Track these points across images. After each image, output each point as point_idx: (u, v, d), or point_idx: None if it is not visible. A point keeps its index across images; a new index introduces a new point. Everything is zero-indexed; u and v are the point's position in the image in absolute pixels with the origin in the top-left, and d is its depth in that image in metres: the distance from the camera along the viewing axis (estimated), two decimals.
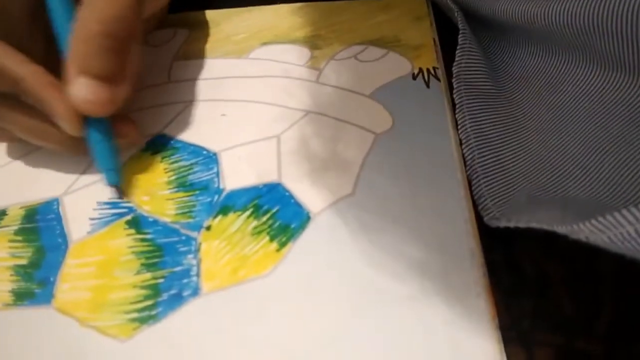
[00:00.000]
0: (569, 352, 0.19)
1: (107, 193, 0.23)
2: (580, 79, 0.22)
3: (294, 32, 0.28)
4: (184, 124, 0.25)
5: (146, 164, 0.23)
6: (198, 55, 0.27)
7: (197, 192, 0.22)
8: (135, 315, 0.20)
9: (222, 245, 0.21)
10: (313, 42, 0.27)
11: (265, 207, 0.22)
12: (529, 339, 0.20)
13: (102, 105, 0.21)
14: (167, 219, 0.22)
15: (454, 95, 0.24)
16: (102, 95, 0.20)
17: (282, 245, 0.21)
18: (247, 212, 0.22)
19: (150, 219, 0.22)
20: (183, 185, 0.23)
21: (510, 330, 0.20)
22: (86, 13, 0.20)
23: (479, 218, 0.21)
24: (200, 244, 0.21)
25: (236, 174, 0.23)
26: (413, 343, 0.18)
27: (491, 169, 0.22)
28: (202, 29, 0.28)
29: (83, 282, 0.20)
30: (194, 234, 0.21)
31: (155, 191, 0.23)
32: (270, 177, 0.23)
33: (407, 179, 0.22)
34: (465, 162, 0.23)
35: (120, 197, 0.22)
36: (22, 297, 0.20)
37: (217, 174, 0.23)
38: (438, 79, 0.25)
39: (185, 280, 0.20)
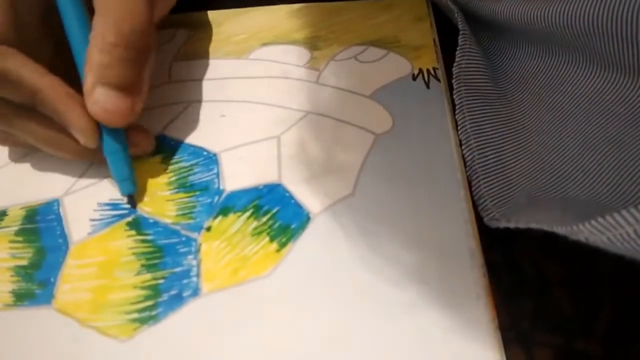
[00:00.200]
0: (568, 352, 0.19)
1: (107, 194, 0.23)
2: (580, 80, 0.22)
3: (294, 32, 0.28)
4: (184, 124, 0.25)
5: (146, 165, 0.23)
6: (198, 55, 0.27)
7: (198, 193, 0.22)
8: (135, 315, 0.20)
9: (222, 246, 0.21)
10: (313, 43, 0.27)
11: (266, 208, 0.22)
12: (528, 340, 0.20)
13: (121, 116, 0.21)
14: (167, 220, 0.22)
15: (454, 96, 0.24)
16: (122, 105, 0.20)
17: (282, 245, 0.21)
18: (247, 213, 0.22)
19: (151, 220, 0.22)
20: (183, 186, 0.23)
21: (510, 330, 0.20)
22: (102, 24, 0.20)
23: (478, 219, 0.21)
24: (200, 244, 0.21)
25: (236, 175, 0.23)
26: (412, 343, 0.18)
27: (491, 169, 0.22)
28: (202, 29, 0.28)
29: (83, 282, 0.20)
30: (194, 235, 0.21)
31: (156, 192, 0.23)
32: (270, 178, 0.23)
33: (407, 180, 0.22)
34: (465, 163, 0.23)
35: (133, 207, 0.22)
36: (22, 298, 0.20)
37: (217, 174, 0.23)
38: (438, 80, 0.25)
39: (185, 281, 0.20)
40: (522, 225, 0.19)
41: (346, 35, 0.27)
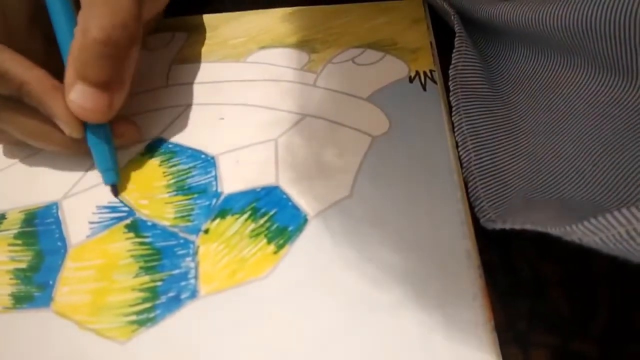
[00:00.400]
0: (564, 353, 0.20)
1: (106, 197, 0.23)
2: (576, 82, 0.22)
3: (292, 36, 0.28)
4: (182, 127, 0.25)
5: (144, 168, 0.24)
6: (196, 59, 0.27)
7: (196, 195, 0.23)
8: (134, 317, 0.20)
9: (220, 248, 0.21)
10: (310, 46, 0.27)
11: (263, 210, 0.22)
12: (525, 340, 0.20)
13: (99, 113, 0.21)
14: (165, 223, 0.22)
15: (451, 98, 0.24)
16: (99, 102, 0.21)
17: (280, 247, 0.21)
18: (245, 215, 0.22)
19: (149, 223, 0.22)
20: (181, 188, 0.23)
21: (506, 331, 0.20)
22: (86, 18, 0.20)
23: (475, 220, 0.21)
24: (198, 247, 0.21)
25: (234, 178, 0.23)
26: (410, 344, 0.19)
27: (487, 171, 0.22)
28: (200, 32, 0.28)
29: (82, 285, 0.21)
30: (192, 237, 0.21)
31: (154, 195, 0.23)
32: (268, 180, 0.23)
33: (404, 181, 0.22)
34: (461, 164, 0.23)
35: (115, 195, 0.23)
36: (21, 301, 0.20)
37: (215, 177, 0.23)
38: (435, 82, 0.25)
39: (183, 283, 0.20)
40: (517, 226, 0.19)
41: (343, 38, 0.27)
